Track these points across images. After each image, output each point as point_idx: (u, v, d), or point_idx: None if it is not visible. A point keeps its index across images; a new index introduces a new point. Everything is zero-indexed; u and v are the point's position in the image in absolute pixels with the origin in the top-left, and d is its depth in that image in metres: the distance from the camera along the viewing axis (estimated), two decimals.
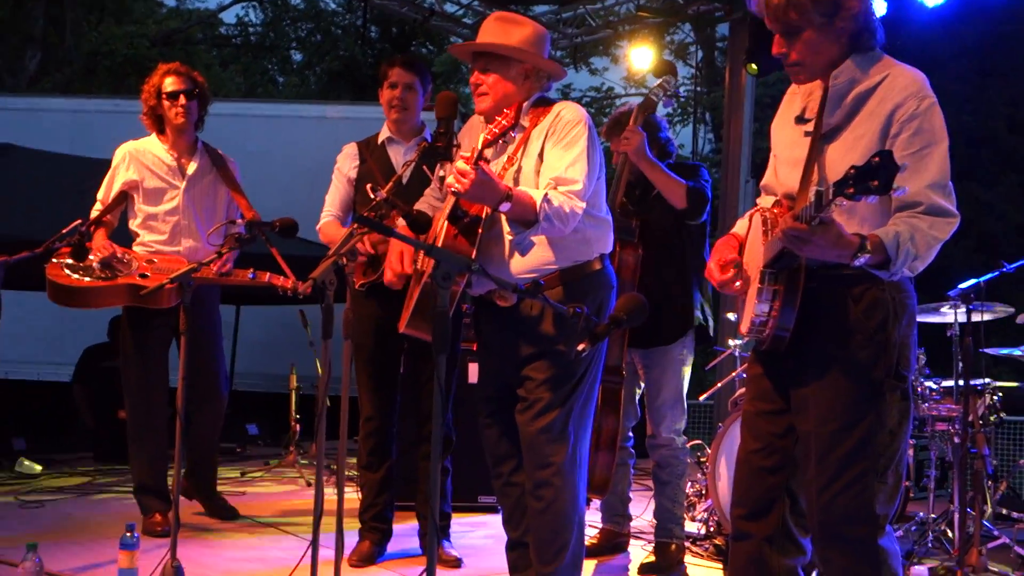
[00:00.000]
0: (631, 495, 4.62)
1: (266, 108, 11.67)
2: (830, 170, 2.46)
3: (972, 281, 4.50)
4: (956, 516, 4.47)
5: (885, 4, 7.08)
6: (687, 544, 4.48)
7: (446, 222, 3.11)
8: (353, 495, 4.54)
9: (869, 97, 2.46)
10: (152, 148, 4.73)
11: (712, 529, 4.83)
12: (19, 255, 3.97)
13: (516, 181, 3.10)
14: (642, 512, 5.13)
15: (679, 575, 4.21)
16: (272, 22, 23.35)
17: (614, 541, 4.55)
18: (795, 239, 2.27)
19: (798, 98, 2.65)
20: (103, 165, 4.87)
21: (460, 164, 2.87)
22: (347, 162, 4.30)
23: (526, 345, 3.13)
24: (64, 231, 4.21)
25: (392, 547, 4.32)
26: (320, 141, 7.55)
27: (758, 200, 2.83)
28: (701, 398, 6.82)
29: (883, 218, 2.41)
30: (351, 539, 3.98)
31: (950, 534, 4.61)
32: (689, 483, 5.09)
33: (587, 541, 3.90)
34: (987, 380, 5.06)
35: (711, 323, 4.38)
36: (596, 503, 4.69)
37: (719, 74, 18.68)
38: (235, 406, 6.13)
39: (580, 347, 2.66)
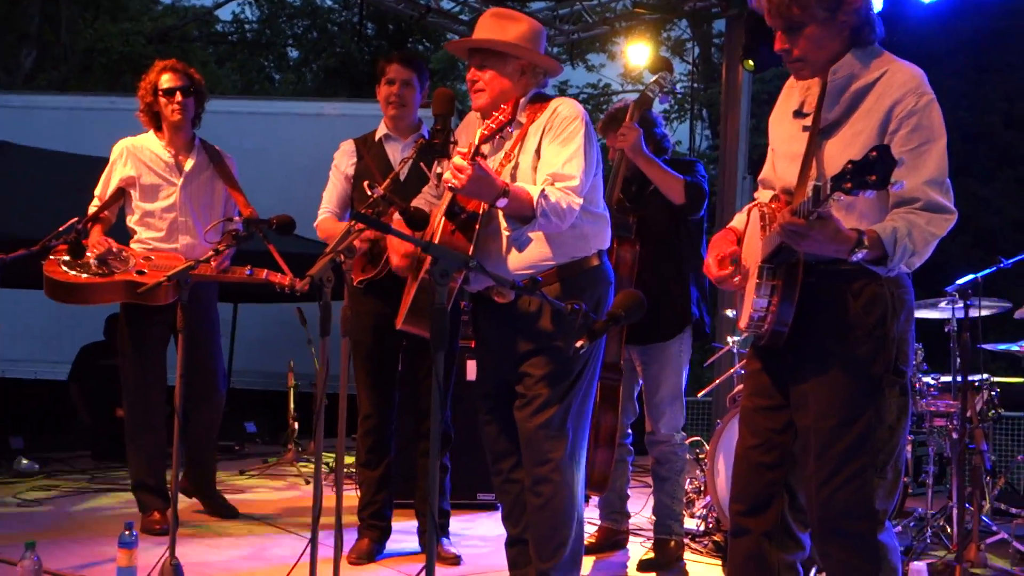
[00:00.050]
0: (629, 492, 4.62)
1: (262, 105, 11.67)
2: (828, 165, 2.46)
3: (969, 277, 4.50)
4: (954, 512, 4.47)
5: (881, 0, 7.07)
6: (686, 540, 4.48)
7: (443, 218, 3.11)
8: (352, 493, 4.54)
9: (868, 93, 2.46)
10: (150, 145, 4.73)
11: (711, 525, 4.83)
12: (15, 253, 3.96)
13: (513, 177, 3.10)
14: (641, 509, 5.13)
15: (678, 571, 4.22)
16: (268, 19, 23.31)
17: (613, 539, 4.55)
18: (793, 234, 2.27)
19: (796, 92, 2.65)
20: (99, 163, 4.86)
21: (457, 160, 2.87)
22: (344, 159, 4.29)
23: (524, 341, 3.13)
24: (61, 229, 4.20)
25: (391, 545, 4.31)
26: (317, 138, 7.53)
27: (756, 194, 2.83)
28: (699, 395, 6.84)
29: (882, 214, 2.41)
30: (350, 537, 3.98)
31: (948, 530, 4.62)
32: (688, 480, 5.10)
33: (586, 539, 3.90)
34: (985, 376, 5.06)
35: (707, 319, 4.38)
36: (594, 500, 4.69)
37: (716, 70, 18.66)
38: (233, 404, 6.12)
39: (578, 343, 2.66)
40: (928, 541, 4.62)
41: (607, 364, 3.79)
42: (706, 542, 4.70)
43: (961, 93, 17.33)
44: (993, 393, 5.07)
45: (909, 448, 5.35)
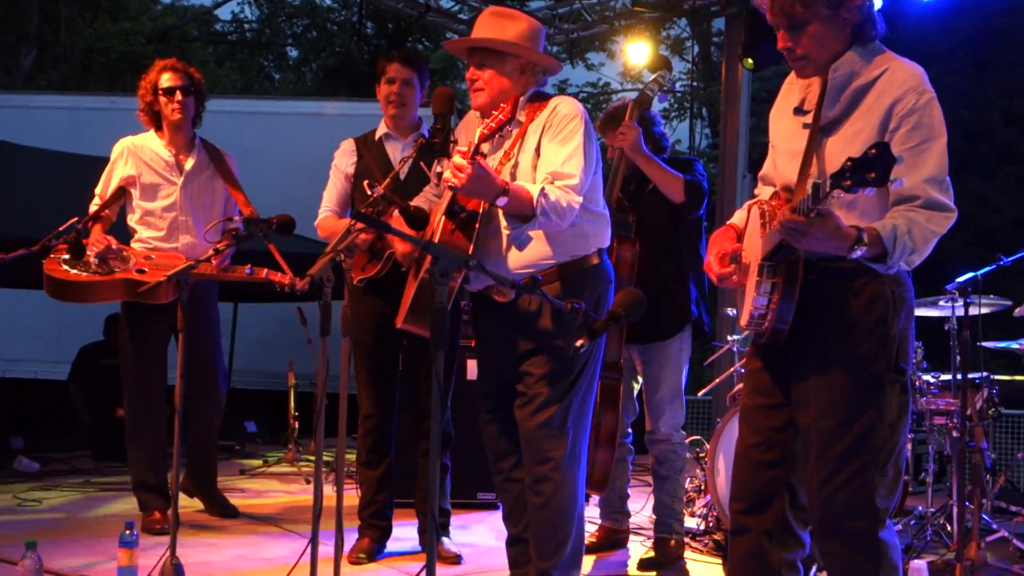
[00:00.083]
0: (629, 491, 4.63)
1: (262, 105, 11.66)
2: (829, 163, 2.46)
3: (969, 274, 4.49)
4: (955, 510, 4.47)
5: None
6: (686, 540, 4.48)
7: (443, 218, 3.11)
8: (352, 492, 4.54)
9: (868, 91, 2.46)
10: (150, 144, 4.73)
11: (711, 524, 4.83)
12: (15, 253, 3.96)
13: (513, 176, 3.10)
14: (641, 508, 5.13)
15: (678, 571, 4.22)
16: (268, 18, 23.30)
17: (613, 539, 4.55)
18: (793, 231, 2.27)
19: (796, 88, 2.65)
20: (99, 162, 4.86)
21: (457, 159, 2.87)
22: (344, 158, 4.29)
23: (524, 341, 3.13)
24: (61, 228, 4.20)
25: (391, 544, 4.31)
26: (317, 138, 7.53)
27: (756, 191, 2.83)
28: (700, 394, 6.83)
29: (883, 212, 2.41)
30: (350, 536, 3.97)
31: (949, 528, 4.62)
32: (688, 479, 5.10)
33: (586, 538, 3.90)
34: (985, 374, 5.06)
35: (706, 319, 4.38)
36: (594, 499, 4.69)
37: (715, 69, 18.67)
38: (233, 404, 6.12)
39: (578, 343, 2.65)
40: (928, 539, 4.62)
41: (607, 363, 3.79)
42: (706, 541, 4.70)
43: (961, 91, 17.33)
44: (993, 391, 5.07)
45: (909, 446, 5.36)
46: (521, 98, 3.20)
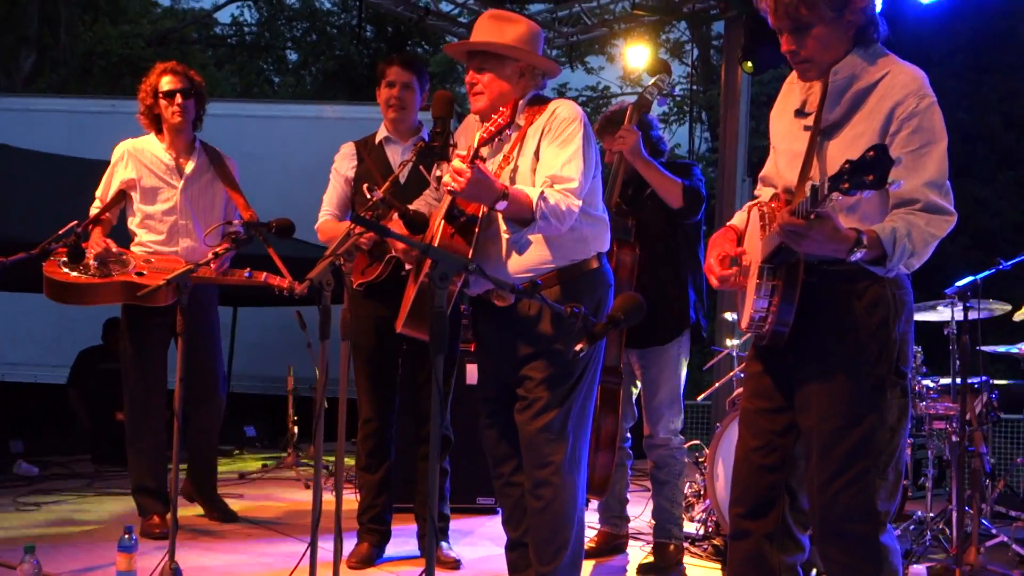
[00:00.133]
0: (628, 496, 4.62)
1: (262, 108, 11.67)
2: (830, 166, 2.46)
3: (968, 279, 4.49)
4: (954, 515, 4.46)
5: (880, 0, 7.07)
6: (686, 544, 4.48)
7: (443, 221, 3.11)
8: (352, 497, 4.53)
9: (869, 94, 2.46)
10: (151, 147, 4.73)
11: (711, 529, 4.83)
12: (15, 256, 3.96)
13: (512, 180, 3.10)
14: (640, 513, 5.13)
15: (678, 575, 4.21)
16: (267, 22, 23.33)
17: (612, 543, 4.54)
18: (792, 234, 2.27)
19: (797, 89, 2.64)
20: (99, 166, 4.86)
21: (456, 163, 2.87)
22: (344, 162, 4.29)
23: (524, 345, 3.13)
24: (60, 232, 4.20)
25: (391, 549, 4.31)
26: (316, 141, 7.53)
27: (757, 192, 2.83)
28: (699, 398, 6.82)
29: (884, 216, 2.41)
30: (350, 541, 3.97)
31: (948, 532, 4.61)
32: (687, 483, 5.09)
33: (585, 543, 3.90)
34: (984, 378, 5.06)
35: (704, 323, 4.37)
36: (593, 504, 4.69)
37: (715, 72, 18.67)
38: (232, 408, 6.11)
39: (578, 347, 2.65)
40: (927, 544, 4.61)
41: (607, 367, 3.79)
42: (705, 546, 4.69)
43: (960, 94, 17.35)
44: (992, 395, 5.06)
45: (909, 451, 5.35)
46: (520, 101, 3.20)
